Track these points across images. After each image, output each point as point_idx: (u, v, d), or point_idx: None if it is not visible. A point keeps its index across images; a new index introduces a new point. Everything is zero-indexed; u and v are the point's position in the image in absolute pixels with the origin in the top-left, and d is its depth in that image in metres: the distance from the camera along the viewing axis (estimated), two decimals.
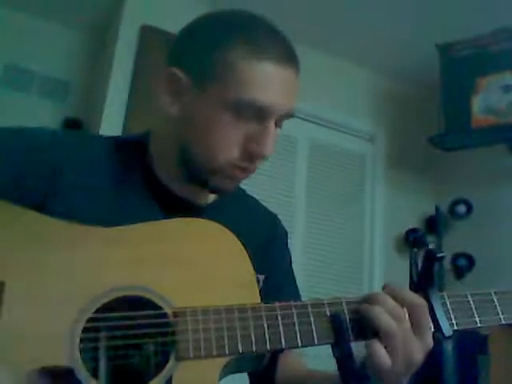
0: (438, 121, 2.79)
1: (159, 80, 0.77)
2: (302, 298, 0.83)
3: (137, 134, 0.87)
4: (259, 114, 0.72)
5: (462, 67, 2.78)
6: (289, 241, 0.96)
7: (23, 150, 0.73)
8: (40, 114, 2.79)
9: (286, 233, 0.97)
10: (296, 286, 0.93)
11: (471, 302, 0.70)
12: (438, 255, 0.63)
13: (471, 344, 2.35)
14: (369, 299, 0.67)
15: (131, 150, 0.83)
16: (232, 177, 0.77)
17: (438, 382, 2.19)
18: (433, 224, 3.09)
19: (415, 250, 0.71)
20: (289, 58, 0.74)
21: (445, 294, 0.70)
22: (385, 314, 0.64)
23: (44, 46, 2.88)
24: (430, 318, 0.67)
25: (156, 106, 0.79)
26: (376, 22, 2.81)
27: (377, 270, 3.02)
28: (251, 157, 0.74)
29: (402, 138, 3.25)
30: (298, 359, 0.89)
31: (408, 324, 0.64)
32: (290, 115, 0.77)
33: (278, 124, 0.76)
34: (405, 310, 0.65)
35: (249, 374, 0.86)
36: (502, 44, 2.69)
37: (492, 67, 2.70)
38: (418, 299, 0.66)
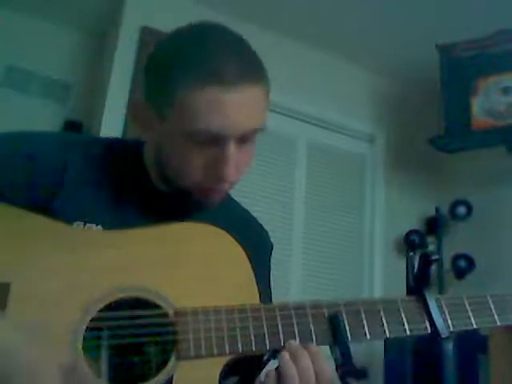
0: (437, 122, 2.79)
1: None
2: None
3: (134, 139, 0.89)
4: (214, 140, 0.72)
5: (462, 68, 2.78)
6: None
7: (26, 155, 0.75)
8: (40, 116, 2.80)
9: (272, 247, 0.97)
10: (270, 301, 0.91)
11: (467, 305, 0.71)
12: (433, 258, 0.64)
13: (471, 344, 2.35)
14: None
15: (128, 153, 0.85)
16: (206, 196, 0.78)
17: (438, 382, 2.19)
18: (433, 225, 3.09)
19: (411, 253, 0.72)
20: (241, 76, 0.71)
21: (441, 296, 0.71)
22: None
23: (45, 47, 2.88)
24: (427, 321, 0.68)
25: None
26: (376, 22, 2.82)
27: (377, 272, 3.02)
28: (216, 179, 0.74)
29: (402, 139, 3.25)
30: None
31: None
32: (254, 131, 0.75)
33: (244, 140, 0.75)
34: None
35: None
36: (502, 45, 2.69)
37: (492, 69, 2.70)
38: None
